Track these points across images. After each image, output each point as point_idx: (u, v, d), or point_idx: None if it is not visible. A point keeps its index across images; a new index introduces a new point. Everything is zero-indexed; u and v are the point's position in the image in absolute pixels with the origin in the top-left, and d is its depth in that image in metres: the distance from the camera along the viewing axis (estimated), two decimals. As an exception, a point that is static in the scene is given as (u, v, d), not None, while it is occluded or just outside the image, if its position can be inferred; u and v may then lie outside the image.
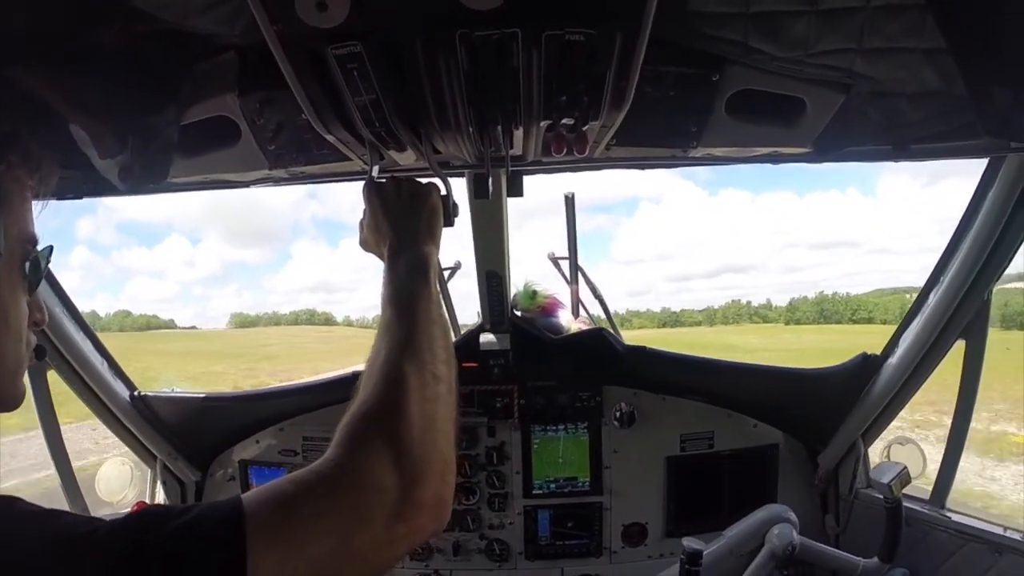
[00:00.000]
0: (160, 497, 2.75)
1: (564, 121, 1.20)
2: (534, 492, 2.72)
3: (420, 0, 0.98)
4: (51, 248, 0.96)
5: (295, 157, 1.59)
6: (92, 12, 1.15)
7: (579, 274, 3.03)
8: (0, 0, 1.05)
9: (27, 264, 0.91)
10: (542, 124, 1.22)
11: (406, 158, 1.41)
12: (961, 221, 1.95)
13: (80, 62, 1.21)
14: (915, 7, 1.19)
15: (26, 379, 0.95)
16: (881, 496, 2.11)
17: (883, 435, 2.57)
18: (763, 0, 1.21)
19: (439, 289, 1.21)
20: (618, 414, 2.63)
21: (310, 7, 0.93)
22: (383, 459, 0.84)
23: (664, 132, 1.51)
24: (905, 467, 2.10)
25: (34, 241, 0.92)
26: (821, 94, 1.42)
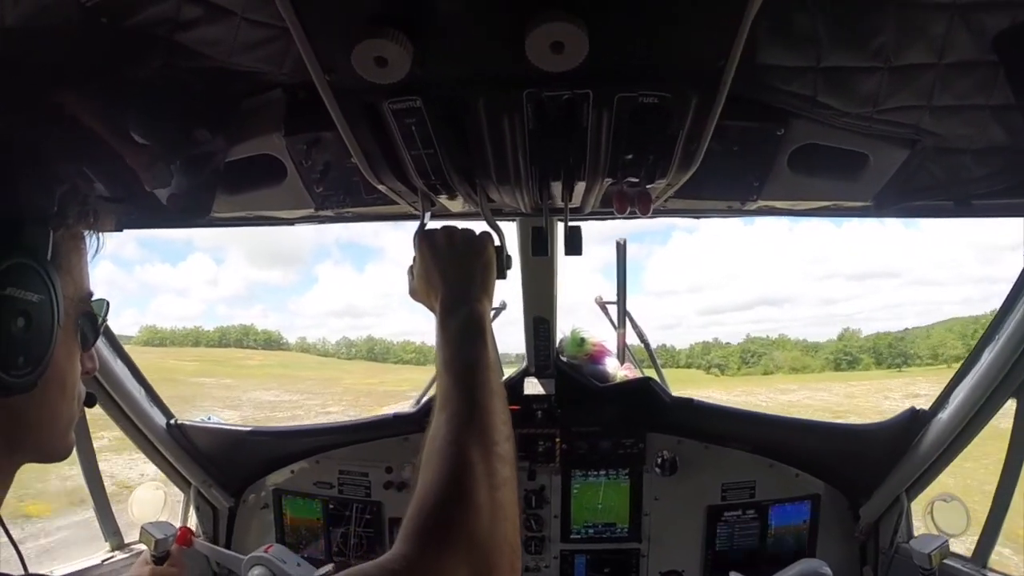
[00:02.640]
0: (193, 522, 2.75)
1: (628, 179, 1.14)
2: (572, 537, 2.68)
3: (487, 60, 0.92)
4: (107, 304, 0.94)
5: (342, 199, 1.55)
6: (134, 48, 1.13)
7: (627, 319, 3.00)
8: (43, 33, 1.04)
9: (81, 319, 0.88)
10: (606, 181, 1.17)
11: (456, 204, 1.36)
12: (1018, 279, 1.91)
13: (124, 94, 1.19)
14: (987, 64, 1.16)
15: None
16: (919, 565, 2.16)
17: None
18: (835, 55, 1.18)
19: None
20: (660, 461, 2.59)
21: (368, 62, 0.83)
22: (454, 554, 0.80)
23: (725, 185, 1.48)
24: (947, 541, 2.16)
25: (89, 297, 0.89)
26: (886, 150, 1.39)
